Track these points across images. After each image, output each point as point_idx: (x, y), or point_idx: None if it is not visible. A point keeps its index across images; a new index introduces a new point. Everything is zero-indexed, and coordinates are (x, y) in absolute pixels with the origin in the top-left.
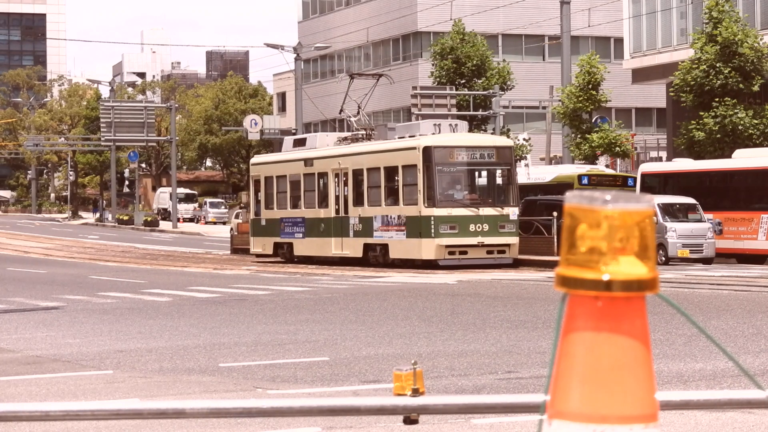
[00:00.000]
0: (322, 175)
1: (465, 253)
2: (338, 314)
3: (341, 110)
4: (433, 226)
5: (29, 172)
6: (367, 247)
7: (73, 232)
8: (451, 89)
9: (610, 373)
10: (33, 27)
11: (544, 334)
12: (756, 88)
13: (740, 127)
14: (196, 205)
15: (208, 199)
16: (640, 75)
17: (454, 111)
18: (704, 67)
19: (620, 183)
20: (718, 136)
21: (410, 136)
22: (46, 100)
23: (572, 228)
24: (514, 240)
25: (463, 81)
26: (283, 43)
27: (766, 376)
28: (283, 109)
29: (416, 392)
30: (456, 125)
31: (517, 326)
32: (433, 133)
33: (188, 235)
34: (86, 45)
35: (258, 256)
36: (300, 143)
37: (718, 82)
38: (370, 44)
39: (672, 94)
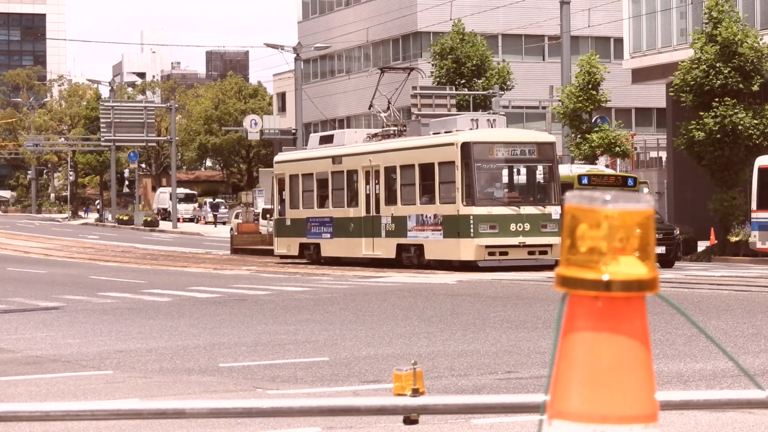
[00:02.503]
0: (352, 173)
1: (505, 254)
2: (338, 314)
3: (370, 105)
4: (472, 226)
5: (29, 172)
6: (400, 247)
7: (73, 232)
8: (451, 89)
9: (610, 373)
10: (33, 27)
11: (544, 334)
12: (756, 88)
13: (740, 127)
14: (196, 205)
15: (208, 200)
16: (640, 75)
17: (453, 111)
18: (704, 67)
19: (620, 183)
20: (718, 136)
21: (446, 132)
22: (46, 100)
23: (572, 228)
24: (557, 240)
25: (463, 81)
26: (283, 43)
27: (766, 376)
28: (283, 109)
29: (416, 392)
30: (494, 120)
31: (517, 326)
32: (471, 129)
33: (188, 235)
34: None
35: (282, 257)
36: (327, 140)
37: (718, 82)
38: (370, 44)
39: (672, 94)
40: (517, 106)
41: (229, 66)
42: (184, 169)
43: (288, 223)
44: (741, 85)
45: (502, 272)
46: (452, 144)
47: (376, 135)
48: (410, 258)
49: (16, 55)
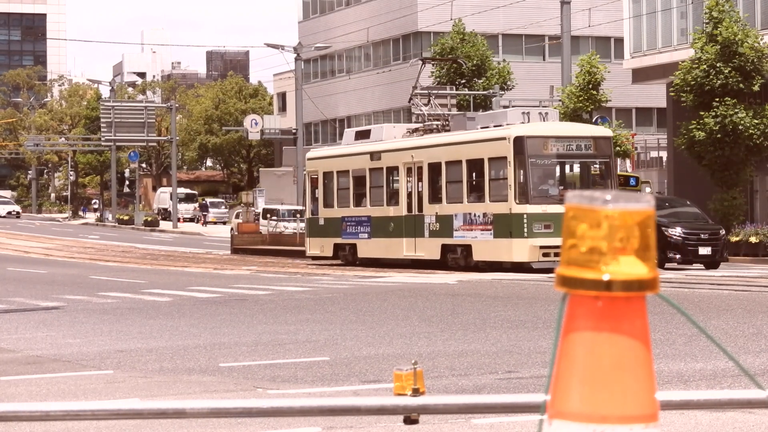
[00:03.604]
0: (392, 170)
1: (560, 254)
2: (338, 314)
3: (410, 99)
4: (525, 225)
5: (29, 172)
6: (445, 248)
7: (74, 232)
8: (451, 89)
9: (610, 373)
10: (33, 27)
11: (545, 333)
12: (756, 87)
13: (740, 127)
14: (196, 205)
15: (209, 199)
16: (641, 75)
17: (454, 111)
18: (704, 66)
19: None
20: (719, 135)
21: (495, 126)
22: (46, 100)
23: (572, 228)
24: None
25: (464, 81)
26: (284, 43)
27: (767, 376)
28: (283, 109)
29: (416, 392)
30: (546, 113)
31: (518, 326)
32: (522, 122)
33: (188, 235)
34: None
35: (314, 258)
36: (363, 135)
37: (719, 81)
38: (370, 44)
39: (672, 93)
40: (518, 106)
41: (229, 66)
42: (185, 169)
43: (321, 222)
44: (741, 85)
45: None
46: (504, 138)
47: (417, 130)
48: (456, 259)
49: (16, 55)
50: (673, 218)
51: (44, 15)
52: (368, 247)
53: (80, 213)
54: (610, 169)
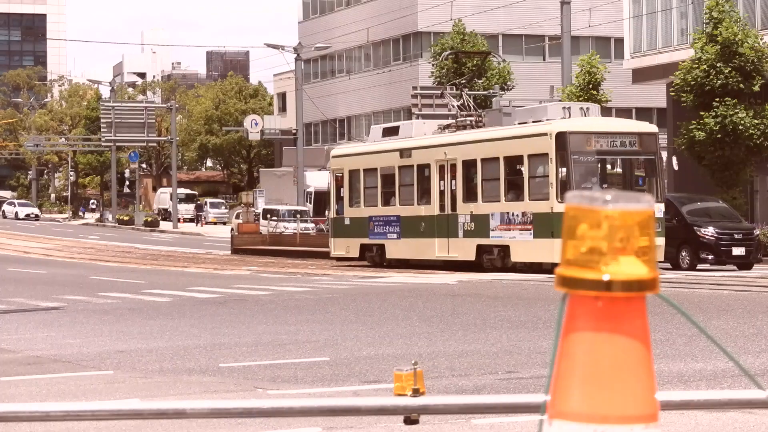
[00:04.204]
0: (423, 168)
1: None
2: (339, 314)
3: (441, 94)
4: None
5: (29, 172)
6: (480, 249)
7: (74, 233)
8: (450, 89)
9: (610, 373)
10: (33, 27)
11: (545, 334)
12: (756, 88)
13: (740, 127)
14: (193, 206)
15: (208, 200)
16: (641, 75)
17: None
18: (704, 67)
19: None
20: (719, 136)
21: (534, 122)
22: (46, 100)
23: (572, 228)
24: (660, 240)
25: (464, 81)
26: (284, 43)
27: (767, 376)
28: (283, 109)
29: (417, 392)
30: (587, 108)
31: (518, 326)
32: (563, 117)
33: (188, 236)
34: (86, 45)
35: (338, 259)
36: (391, 132)
37: (719, 82)
38: (370, 44)
39: (672, 94)
40: (518, 106)
41: (229, 66)
42: (185, 170)
43: (347, 222)
44: (741, 85)
45: (502, 272)
46: (545, 134)
47: (449, 126)
48: (492, 260)
49: (16, 55)
50: (705, 217)
51: (44, 15)
52: (397, 247)
53: (80, 213)
54: (656, 167)
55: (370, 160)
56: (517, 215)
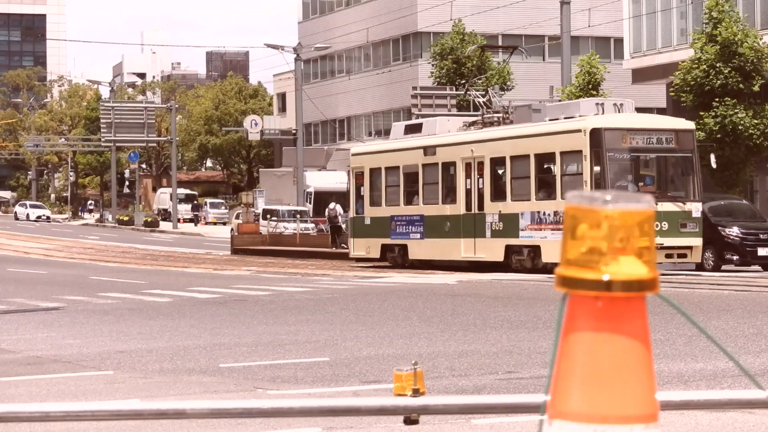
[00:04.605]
0: (448, 165)
1: None
2: (339, 315)
3: (466, 90)
4: None
5: (29, 172)
6: (509, 249)
7: (73, 233)
8: (451, 89)
9: (610, 374)
10: (33, 27)
11: (545, 334)
12: (756, 88)
13: (740, 127)
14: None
15: (208, 200)
16: (640, 75)
17: (454, 111)
18: (704, 67)
19: None
20: (719, 136)
21: (566, 118)
22: (46, 100)
23: (572, 228)
24: (698, 241)
25: (463, 81)
26: (284, 43)
27: (767, 376)
28: (283, 109)
29: (417, 392)
30: (621, 104)
31: (518, 326)
32: (596, 114)
33: (188, 236)
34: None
35: (358, 260)
36: (414, 129)
37: (718, 82)
38: (370, 45)
39: (672, 94)
40: (517, 107)
41: (229, 66)
42: (185, 170)
43: (367, 222)
44: (741, 85)
45: (501, 272)
46: (579, 131)
47: (474, 123)
48: (522, 261)
49: (16, 55)
50: (728, 217)
51: (44, 15)
52: (421, 247)
53: (79, 213)
54: (693, 165)
55: (392, 158)
56: (549, 214)
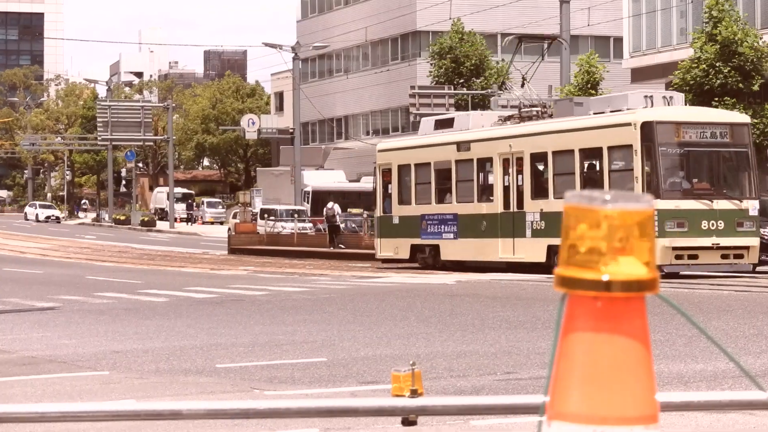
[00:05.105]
0: (484, 162)
1: (695, 257)
2: (336, 315)
3: (502, 84)
4: (657, 223)
5: (26, 171)
6: (552, 249)
7: (70, 232)
8: (449, 89)
9: (609, 374)
10: (31, 26)
11: (544, 334)
12: (756, 87)
13: None
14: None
15: (205, 199)
16: (640, 74)
17: (452, 110)
18: (704, 66)
19: None
20: None
21: (613, 111)
22: (42, 99)
23: (572, 228)
24: (755, 241)
25: (462, 81)
26: (282, 42)
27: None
28: (280, 108)
29: (415, 393)
30: (671, 97)
31: (516, 327)
32: (645, 107)
33: (185, 236)
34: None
35: (385, 261)
36: (445, 124)
37: (718, 81)
38: (368, 44)
39: None
40: (516, 106)
41: (227, 65)
42: (182, 169)
43: (395, 221)
44: (741, 85)
45: (501, 272)
46: (629, 124)
47: (511, 117)
48: None
49: (13, 54)
50: (763, 217)
51: (42, 14)
52: (454, 248)
53: (75, 213)
54: (749, 160)
55: (423, 154)
56: None
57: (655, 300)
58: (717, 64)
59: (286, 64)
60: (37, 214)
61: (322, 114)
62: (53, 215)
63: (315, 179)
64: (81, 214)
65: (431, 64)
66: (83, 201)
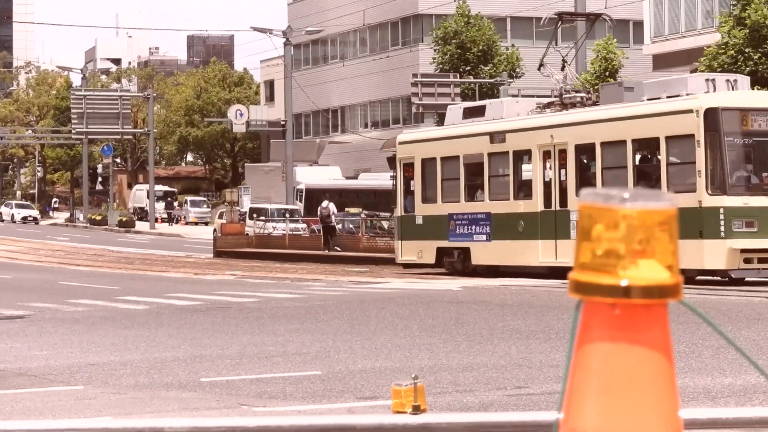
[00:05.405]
0: (521, 154)
1: (766, 260)
2: (331, 323)
3: (541, 65)
4: (723, 223)
5: None
6: None
7: (41, 234)
8: (454, 77)
9: (628, 388)
10: None
11: (558, 345)
12: None
13: None
14: (176, 204)
15: (189, 198)
16: (662, 61)
17: (458, 100)
18: (732, 52)
19: None
20: None
21: (670, 97)
22: (12, 88)
23: (587, 229)
24: None
25: (468, 68)
26: (272, 26)
27: None
28: (271, 98)
29: (417, 409)
30: (735, 81)
31: (528, 337)
32: (706, 92)
33: (167, 237)
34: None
35: (406, 266)
36: (475, 113)
37: (747, 68)
38: (366, 28)
39: None
40: (528, 95)
41: (212, 52)
42: (163, 165)
43: (419, 221)
44: None
45: (511, 278)
46: (690, 111)
47: (551, 104)
48: None
49: None
50: None
51: None
52: (487, 251)
53: (46, 212)
54: None
55: (450, 146)
56: None
57: (679, 307)
58: (746, 50)
59: (277, 50)
60: (12, 215)
61: (317, 105)
62: (30, 216)
63: (308, 176)
64: (53, 214)
65: (435, 50)
66: (54, 199)
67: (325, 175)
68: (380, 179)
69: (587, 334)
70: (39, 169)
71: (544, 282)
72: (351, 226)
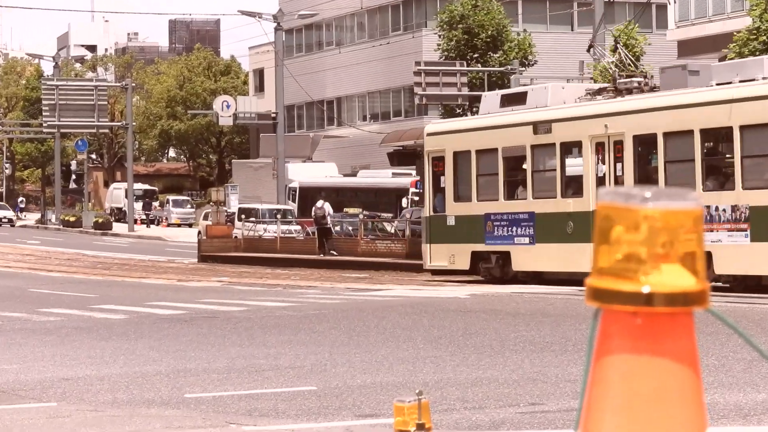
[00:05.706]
0: (570, 146)
1: None
2: (328, 335)
3: (590, 46)
4: None
5: None
6: None
7: (10, 236)
8: (461, 65)
9: (651, 404)
10: None
11: (575, 358)
12: None
13: None
14: (157, 204)
15: (171, 197)
16: (688, 48)
17: (465, 90)
18: (764, 38)
19: None
20: None
21: (743, 81)
22: None
23: (606, 231)
24: None
25: (476, 55)
26: (261, 10)
27: None
28: (260, 88)
29: (422, 428)
30: None
31: (543, 349)
32: None
33: (147, 240)
34: (25, 12)
35: (435, 272)
36: (515, 100)
37: None
38: (364, 11)
39: None
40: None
41: (196, 38)
42: (143, 161)
43: (450, 222)
44: None
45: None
46: None
47: (603, 90)
48: None
49: None
50: None
51: None
52: (530, 256)
53: (15, 213)
54: None
55: (486, 138)
56: (724, 210)
57: (707, 316)
58: None
59: (267, 35)
60: None
61: (310, 95)
62: (5, 217)
63: (302, 173)
64: (21, 215)
65: (439, 36)
66: (20, 199)
67: (320, 173)
68: (380, 177)
69: (606, 345)
70: (7, 166)
71: (559, 289)
72: (349, 228)
